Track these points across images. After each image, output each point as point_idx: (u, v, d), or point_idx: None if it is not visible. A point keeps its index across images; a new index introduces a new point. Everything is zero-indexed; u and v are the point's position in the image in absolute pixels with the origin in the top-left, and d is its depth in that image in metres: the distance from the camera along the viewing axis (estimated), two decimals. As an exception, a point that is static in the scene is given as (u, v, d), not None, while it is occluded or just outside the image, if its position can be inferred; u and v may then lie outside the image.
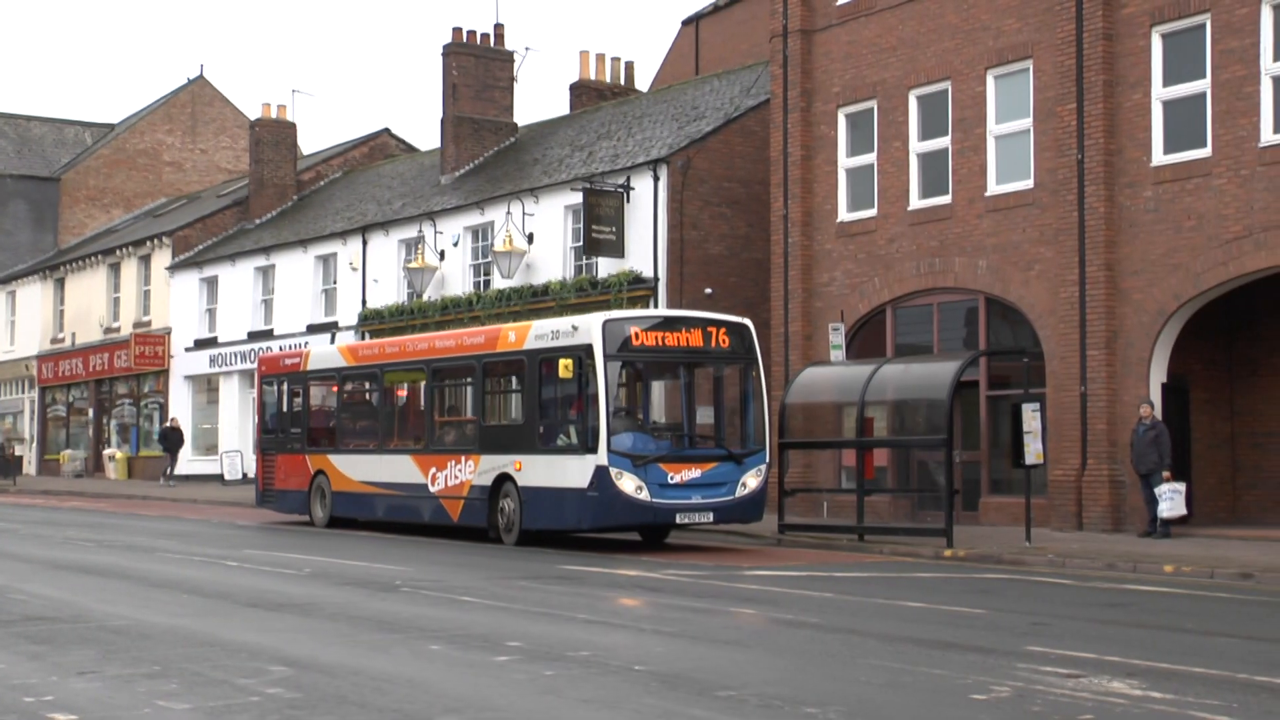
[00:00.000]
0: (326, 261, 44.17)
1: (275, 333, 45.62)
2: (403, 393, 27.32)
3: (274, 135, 50.93)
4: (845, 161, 28.86)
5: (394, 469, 25.72)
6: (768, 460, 22.38)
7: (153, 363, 50.50)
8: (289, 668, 10.83)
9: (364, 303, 41.73)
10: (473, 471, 23.59)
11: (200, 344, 49.12)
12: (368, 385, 27.96)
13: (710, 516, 21.65)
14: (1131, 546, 21.13)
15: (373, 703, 9.52)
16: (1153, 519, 22.54)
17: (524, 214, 36.22)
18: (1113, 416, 23.82)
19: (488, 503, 23.17)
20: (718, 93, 36.79)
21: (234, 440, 46.82)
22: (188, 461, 49.25)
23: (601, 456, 20.88)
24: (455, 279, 38.63)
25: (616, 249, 33.14)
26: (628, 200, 33.32)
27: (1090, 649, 11.80)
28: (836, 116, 28.97)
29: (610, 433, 20.88)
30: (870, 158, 28.32)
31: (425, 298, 39.00)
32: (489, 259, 37.39)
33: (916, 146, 27.46)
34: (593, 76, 44.55)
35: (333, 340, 38.75)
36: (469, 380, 24.74)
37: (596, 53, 45.09)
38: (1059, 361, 24.64)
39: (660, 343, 21.97)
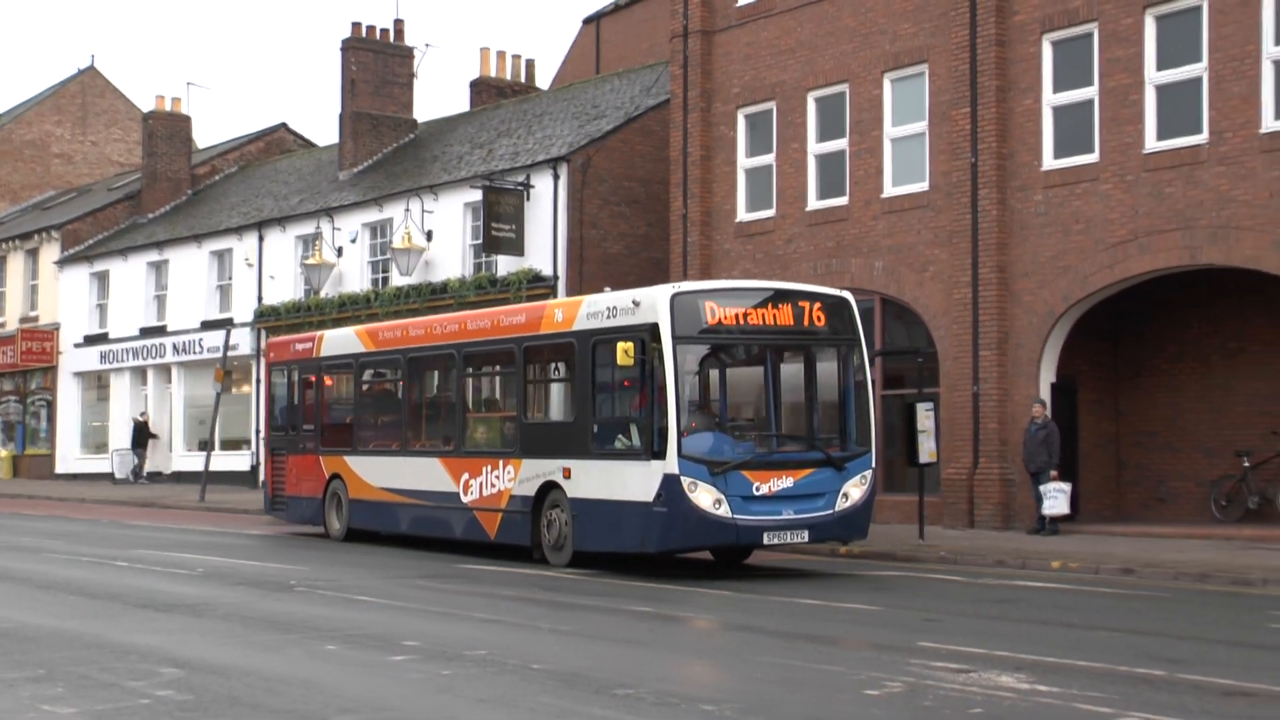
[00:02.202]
0: (221, 257, 43.66)
1: (169, 329, 45.04)
2: (430, 383, 23.69)
3: (168, 128, 50.22)
4: (744, 162, 29.08)
5: (420, 474, 22.16)
6: (874, 465, 18.66)
7: (40, 359, 49.58)
8: (180, 669, 10.72)
9: (260, 299, 41.34)
10: (512, 479, 19.99)
11: (90, 340, 48.30)
12: (389, 374, 24.35)
13: (805, 535, 17.88)
14: (1020, 543, 21.51)
15: (266, 704, 9.45)
16: (1041, 517, 22.98)
17: (423, 211, 36.07)
18: (1004, 416, 24.24)
19: (531, 516, 19.58)
20: (618, 92, 36.88)
21: (124, 438, 46.10)
22: (75, 460, 48.47)
23: (671, 463, 17.16)
24: (353, 276, 38.37)
25: (516, 247, 33.12)
26: (527, 198, 33.29)
27: (980, 644, 12.01)
28: (736, 117, 29.17)
29: (681, 433, 17.19)
30: (769, 158, 28.56)
31: (323, 295, 38.71)
32: (388, 256, 37.20)
33: (814, 148, 27.73)
34: (493, 74, 44.46)
35: (228, 337, 38.27)
36: (508, 368, 21.09)
37: (497, 50, 45.06)
38: (952, 361, 25.02)
39: (742, 321, 18.05)
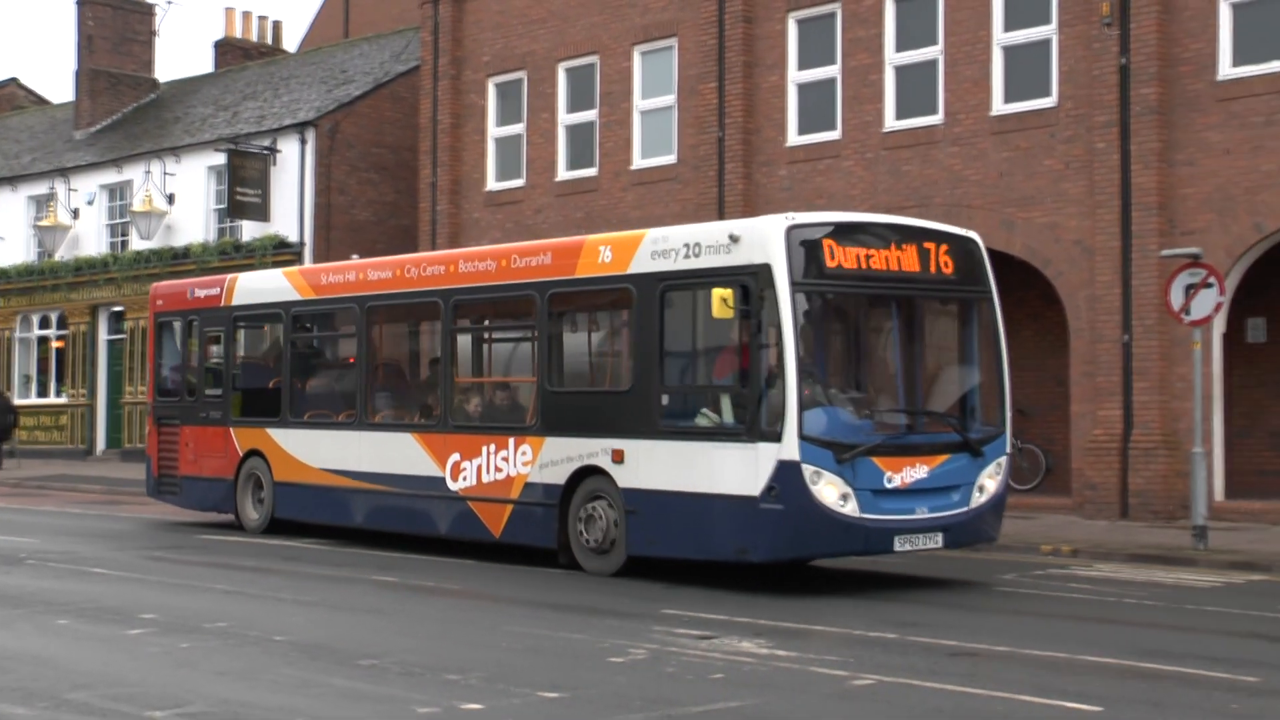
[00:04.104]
0: (-54, 217, 41.64)
1: (-113, 292, 42.81)
2: (401, 340, 19.85)
3: (-114, 80, 47.58)
4: (494, 131, 29.02)
5: (384, 453, 17.83)
6: (1009, 450, 14.97)
7: None
8: (-99, 648, 10.27)
9: (-12, 261, 39.67)
10: (529, 462, 15.82)
11: None
12: (338, 328, 20.02)
13: (939, 540, 14.17)
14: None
15: (-6, 682, 9.13)
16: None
17: (164, 174, 35.10)
18: (748, 386, 24.75)
19: (558, 511, 15.43)
20: (367, 57, 36.39)
21: None
22: None
23: (789, 446, 13.26)
24: (90, 239, 37.13)
25: (261, 212, 32.52)
26: (273, 163, 32.67)
27: (721, 611, 12.33)
28: (486, 86, 29.08)
29: (802, 408, 13.42)
30: (519, 128, 28.55)
31: (57, 257, 37.38)
32: (127, 219, 36.12)
33: (564, 118, 27.83)
34: (239, 34, 43.32)
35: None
36: (523, 322, 16.99)
37: (243, 10, 43.85)
38: (698, 333, 25.43)
39: (864, 263, 14.21)
